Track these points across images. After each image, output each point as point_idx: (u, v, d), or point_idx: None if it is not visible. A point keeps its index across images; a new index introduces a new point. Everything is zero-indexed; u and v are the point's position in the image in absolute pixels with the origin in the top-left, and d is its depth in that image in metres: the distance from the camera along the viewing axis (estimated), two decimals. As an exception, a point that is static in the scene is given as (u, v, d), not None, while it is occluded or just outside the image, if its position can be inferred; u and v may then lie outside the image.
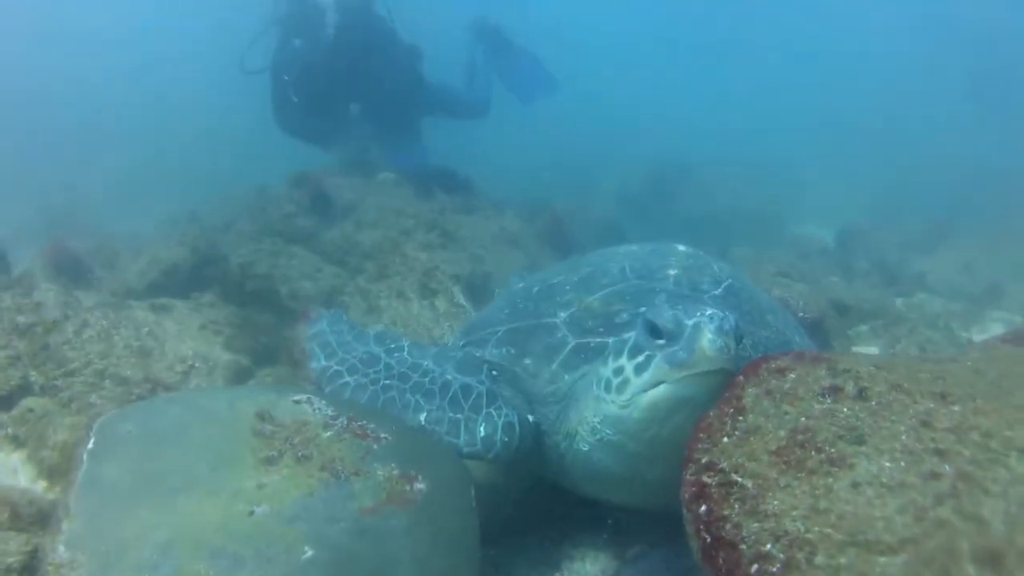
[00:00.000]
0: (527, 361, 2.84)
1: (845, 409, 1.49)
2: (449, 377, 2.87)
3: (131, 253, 5.72)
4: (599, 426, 2.48)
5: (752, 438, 1.50)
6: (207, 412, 2.43)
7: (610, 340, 2.61)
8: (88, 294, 4.35)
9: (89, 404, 3.10)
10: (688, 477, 1.54)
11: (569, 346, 2.76)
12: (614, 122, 17.50)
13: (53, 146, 13.00)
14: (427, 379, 2.89)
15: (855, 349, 5.10)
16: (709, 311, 2.18)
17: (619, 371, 2.36)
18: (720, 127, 17.41)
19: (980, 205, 9.68)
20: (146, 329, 3.56)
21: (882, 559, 1.19)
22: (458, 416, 2.77)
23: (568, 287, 3.07)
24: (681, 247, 3.31)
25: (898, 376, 1.56)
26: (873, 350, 5.27)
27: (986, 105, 15.67)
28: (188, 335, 3.69)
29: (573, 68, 12.90)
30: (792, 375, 1.63)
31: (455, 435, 2.73)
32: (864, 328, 5.72)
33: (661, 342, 2.23)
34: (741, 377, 1.79)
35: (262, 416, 2.43)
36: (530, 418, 2.78)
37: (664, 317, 2.24)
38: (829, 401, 1.52)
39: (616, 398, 2.37)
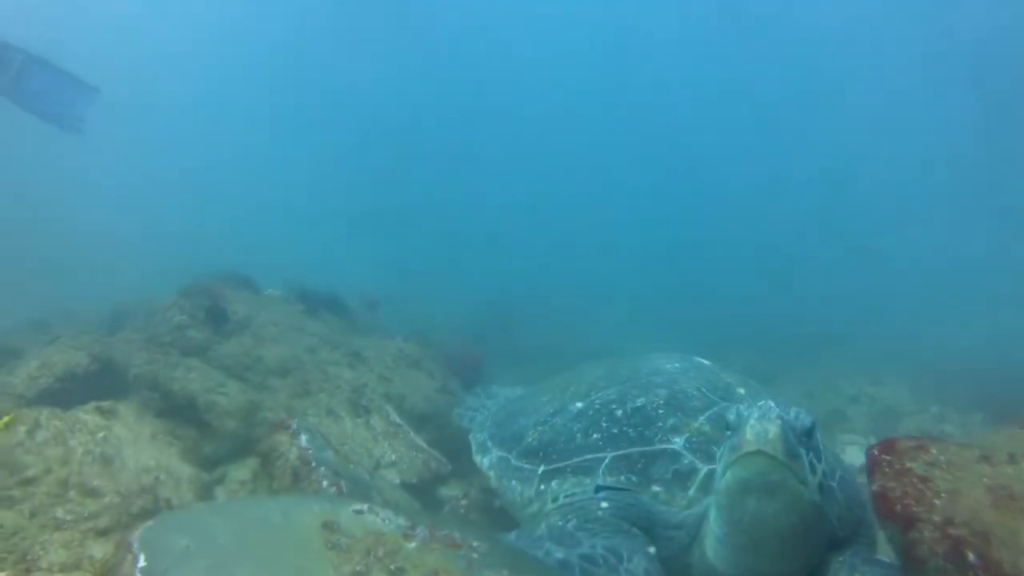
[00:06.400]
0: (656, 488, 2.97)
1: (1009, 471, 1.73)
2: (560, 555, 2.76)
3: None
4: (714, 524, 2.63)
5: (960, 497, 1.69)
6: (263, 524, 2.25)
7: None
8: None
9: (56, 519, 2.69)
10: (928, 535, 1.69)
11: (702, 472, 2.93)
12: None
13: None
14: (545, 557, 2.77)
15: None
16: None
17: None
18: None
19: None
20: (100, 435, 3.16)
21: None
22: None
23: (660, 410, 3.29)
24: (707, 361, 3.70)
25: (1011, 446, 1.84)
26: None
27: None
28: (143, 443, 3.32)
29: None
30: (933, 450, 1.87)
31: None
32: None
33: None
34: (876, 451, 2.01)
35: (330, 527, 2.26)
36: (651, 550, 2.83)
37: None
38: (988, 466, 1.76)
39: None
